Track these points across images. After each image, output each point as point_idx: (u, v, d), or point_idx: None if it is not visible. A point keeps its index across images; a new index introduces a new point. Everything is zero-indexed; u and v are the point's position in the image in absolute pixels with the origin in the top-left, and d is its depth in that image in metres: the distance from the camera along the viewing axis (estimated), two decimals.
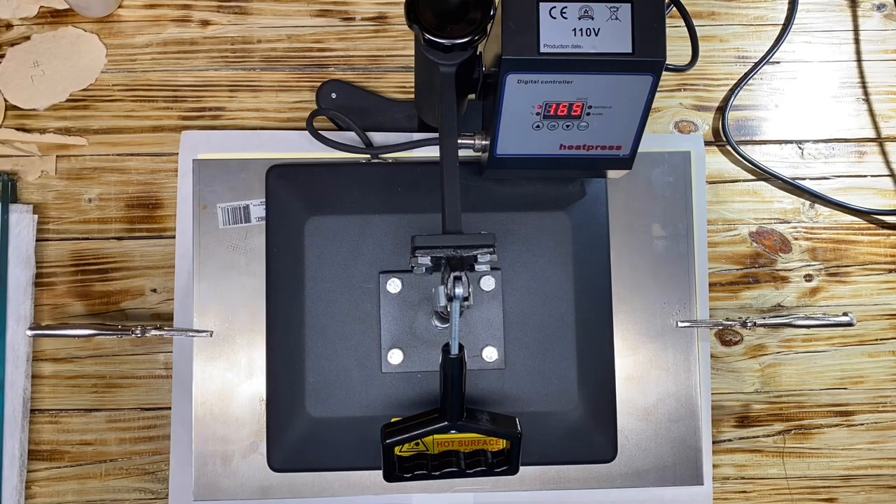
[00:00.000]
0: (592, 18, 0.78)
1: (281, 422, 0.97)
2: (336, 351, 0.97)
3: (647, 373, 1.01)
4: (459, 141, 0.89)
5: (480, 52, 0.85)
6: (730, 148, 1.07)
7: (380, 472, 0.88)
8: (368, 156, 1.01)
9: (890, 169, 1.08)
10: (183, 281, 1.01)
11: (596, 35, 0.79)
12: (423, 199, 0.99)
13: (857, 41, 1.11)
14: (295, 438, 0.96)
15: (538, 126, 0.86)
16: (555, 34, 0.78)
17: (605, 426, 0.99)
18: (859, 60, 1.10)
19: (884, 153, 1.09)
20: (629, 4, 0.79)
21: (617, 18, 0.79)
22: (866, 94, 1.10)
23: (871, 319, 1.07)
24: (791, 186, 1.07)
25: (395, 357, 0.97)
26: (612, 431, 0.99)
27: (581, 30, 0.78)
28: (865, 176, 1.08)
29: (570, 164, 0.90)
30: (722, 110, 1.08)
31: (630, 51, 0.79)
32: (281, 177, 1.00)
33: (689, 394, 1.01)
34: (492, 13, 0.77)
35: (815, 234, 1.07)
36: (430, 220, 0.97)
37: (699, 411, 1.01)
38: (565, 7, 0.78)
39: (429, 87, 0.88)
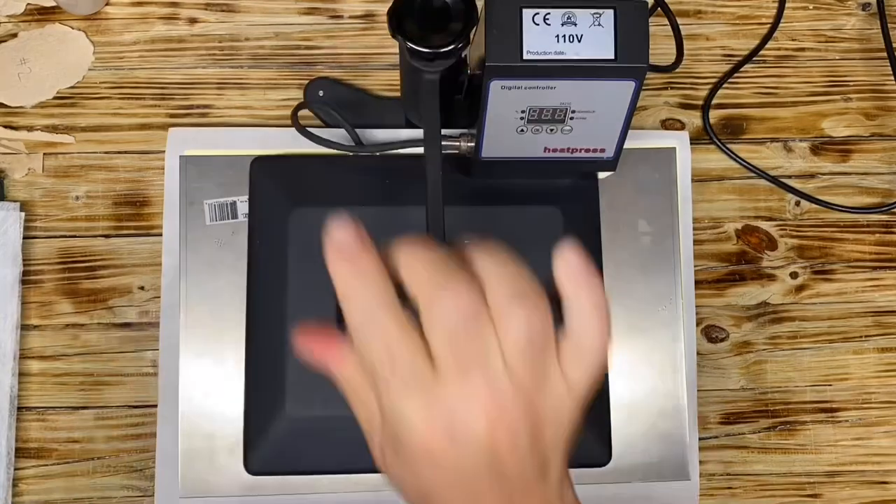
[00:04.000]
0: (575, 25, 0.78)
1: (259, 423, 0.96)
2: None
3: (633, 369, 1.02)
4: (445, 143, 0.90)
5: (466, 55, 0.85)
6: (715, 145, 1.07)
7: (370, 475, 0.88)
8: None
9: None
10: (170, 278, 1.01)
11: (579, 41, 0.79)
12: (411, 190, 0.98)
13: (841, 40, 1.11)
14: (274, 440, 0.97)
15: (522, 130, 0.86)
16: (538, 41, 0.78)
17: (599, 430, 0.99)
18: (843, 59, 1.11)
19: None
20: (612, 10, 0.79)
21: (599, 25, 0.79)
22: (851, 92, 1.10)
23: (856, 317, 1.07)
24: (776, 185, 1.07)
25: None
26: (606, 435, 0.99)
27: (564, 36, 0.78)
28: (850, 174, 1.09)
29: (555, 167, 0.90)
30: (704, 108, 1.08)
31: (613, 57, 0.79)
32: (264, 168, 0.99)
33: (675, 390, 1.02)
34: (474, 20, 0.77)
35: (801, 231, 1.07)
36: (417, 212, 0.97)
37: (685, 407, 1.02)
38: (548, 13, 0.78)
39: (414, 90, 0.88)
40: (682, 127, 1.08)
